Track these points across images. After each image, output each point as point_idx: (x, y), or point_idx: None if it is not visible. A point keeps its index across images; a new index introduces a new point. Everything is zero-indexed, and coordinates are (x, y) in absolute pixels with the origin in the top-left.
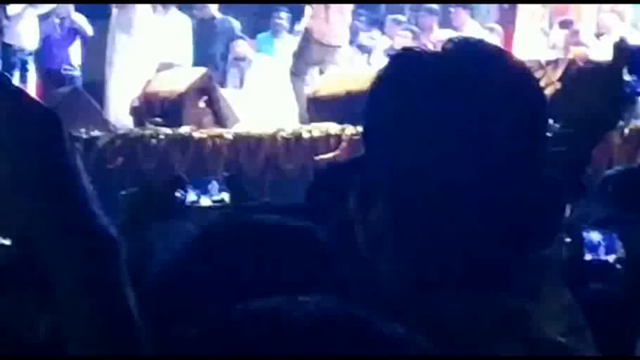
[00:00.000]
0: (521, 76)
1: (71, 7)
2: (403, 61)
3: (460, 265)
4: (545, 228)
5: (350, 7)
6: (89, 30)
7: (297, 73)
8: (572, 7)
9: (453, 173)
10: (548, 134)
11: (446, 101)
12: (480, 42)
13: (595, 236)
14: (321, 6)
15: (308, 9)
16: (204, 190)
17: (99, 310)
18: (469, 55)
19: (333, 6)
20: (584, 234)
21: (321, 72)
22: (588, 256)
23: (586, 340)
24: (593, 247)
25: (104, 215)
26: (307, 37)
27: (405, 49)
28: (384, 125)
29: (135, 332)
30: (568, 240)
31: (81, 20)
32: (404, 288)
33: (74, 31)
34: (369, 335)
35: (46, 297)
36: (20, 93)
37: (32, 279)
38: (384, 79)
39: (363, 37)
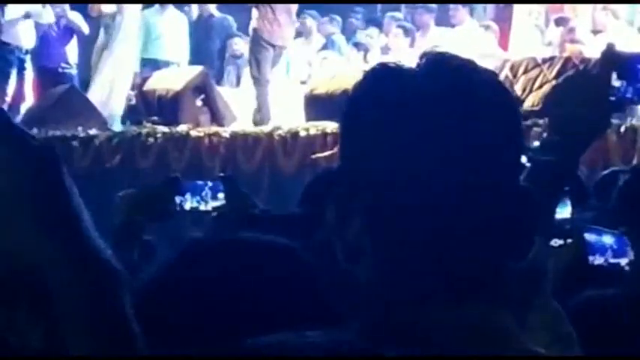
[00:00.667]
0: (494, 89)
1: (67, 5)
2: (378, 76)
3: (436, 277)
4: (519, 240)
5: (295, 7)
6: (85, 28)
7: (258, 76)
8: (568, 5)
9: (427, 185)
10: (537, 143)
11: (420, 115)
12: (454, 57)
13: (605, 239)
14: (268, 7)
15: (254, 11)
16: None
17: (97, 329)
18: (442, 69)
19: (280, 6)
20: (588, 236)
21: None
22: (598, 260)
23: (572, 348)
24: (601, 250)
25: (106, 246)
26: (256, 38)
27: (381, 64)
28: (359, 138)
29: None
30: (569, 241)
31: (77, 19)
32: (382, 299)
33: (70, 30)
34: None
35: (40, 309)
36: (16, 130)
37: (25, 291)
38: (358, 93)
39: (361, 35)
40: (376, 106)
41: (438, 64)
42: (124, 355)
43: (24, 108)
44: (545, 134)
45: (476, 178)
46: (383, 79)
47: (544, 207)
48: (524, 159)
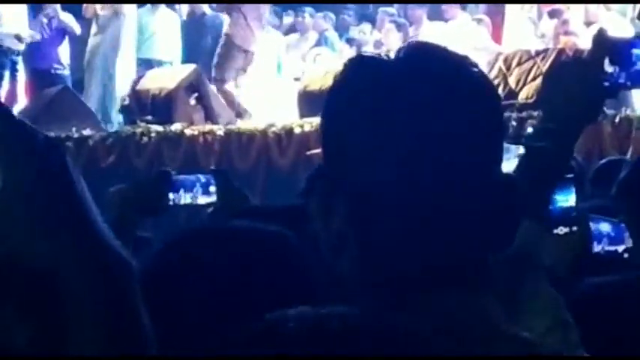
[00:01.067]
0: (474, 78)
1: (58, 6)
2: (358, 68)
3: (415, 265)
4: (499, 229)
5: (266, 14)
6: (77, 29)
7: (221, 79)
8: None
9: (406, 176)
10: (530, 130)
11: (399, 106)
12: (433, 46)
13: (602, 226)
14: (241, 13)
15: (227, 17)
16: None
17: (113, 328)
18: (421, 59)
19: (251, 13)
20: (592, 225)
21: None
22: (596, 248)
23: (571, 333)
24: (598, 238)
25: (114, 237)
26: (228, 43)
27: (361, 56)
28: (340, 131)
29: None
30: (575, 229)
31: (69, 19)
32: (367, 291)
33: (62, 31)
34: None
35: (26, 308)
36: (23, 126)
37: (10, 289)
38: (339, 85)
39: (353, 32)
40: (354, 97)
41: (415, 54)
42: (131, 354)
43: (16, 110)
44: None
45: (454, 168)
46: (360, 70)
47: (538, 194)
48: (520, 148)
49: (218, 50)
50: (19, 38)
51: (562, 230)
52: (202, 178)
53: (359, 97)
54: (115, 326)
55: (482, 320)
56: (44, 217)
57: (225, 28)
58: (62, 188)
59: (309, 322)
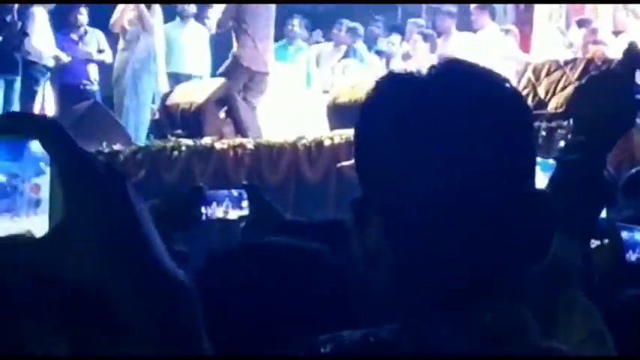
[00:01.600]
0: (507, 95)
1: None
2: (391, 85)
3: (455, 281)
4: (533, 243)
5: (272, 31)
6: (107, 57)
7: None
8: (589, 6)
9: (442, 191)
10: (562, 143)
11: (432, 122)
12: (464, 62)
13: (637, 235)
14: (248, 35)
15: (234, 39)
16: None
17: (175, 354)
18: (453, 76)
19: (260, 33)
20: (624, 234)
21: (245, 99)
22: (632, 257)
23: (606, 343)
24: (633, 247)
25: (171, 260)
26: (235, 63)
27: (394, 73)
28: (374, 147)
29: None
30: (606, 241)
31: (99, 38)
32: (404, 306)
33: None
34: None
35: (64, 321)
36: (84, 154)
37: (48, 302)
38: (372, 101)
39: (382, 43)
40: (387, 114)
41: (448, 70)
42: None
43: None
44: (570, 135)
45: (488, 183)
46: (393, 87)
47: (571, 207)
48: (550, 160)
49: (221, 69)
50: (57, 59)
51: (593, 243)
52: (234, 192)
53: (392, 113)
54: (176, 352)
55: (518, 333)
56: (106, 245)
57: (233, 49)
58: (124, 215)
59: (347, 347)
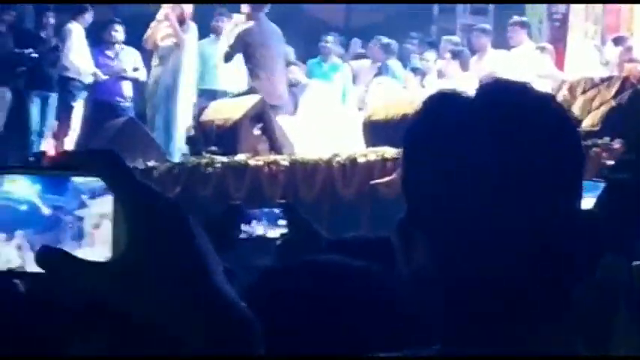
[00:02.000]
0: (552, 113)
1: (122, 38)
2: (438, 103)
3: (502, 301)
4: (583, 262)
5: (284, 59)
6: (142, 75)
7: None
8: (623, 23)
9: (489, 210)
10: (611, 162)
11: (480, 141)
12: (511, 81)
13: None
14: (261, 68)
15: (247, 73)
16: (261, 222)
17: None
18: (501, 94)
19: (272, 66)
20: None
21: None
22: None
23: None
24: None
25: (234, 292)
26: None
27: (439, 92)
28: (420, 165)
29: None
30: None
31: (134, 57)
32: (450, 326)
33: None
34: None
35: (118, 343)
36: (146, 187)
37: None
38: (418, 121)
39: (416, 60)
40: (436, 132)
41: (495, 89)
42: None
43: (79, 140)
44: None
45: (536, 202)
46: (442, 105)
47: (620, 226)
48: (600, 179)
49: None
50: (94, 75)
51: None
52: (272, 210)
53: (440, 132)
54: None
55: (567, 353)
56: (168, 277)
57: (250, 81)
58: (185, 248)
59: None
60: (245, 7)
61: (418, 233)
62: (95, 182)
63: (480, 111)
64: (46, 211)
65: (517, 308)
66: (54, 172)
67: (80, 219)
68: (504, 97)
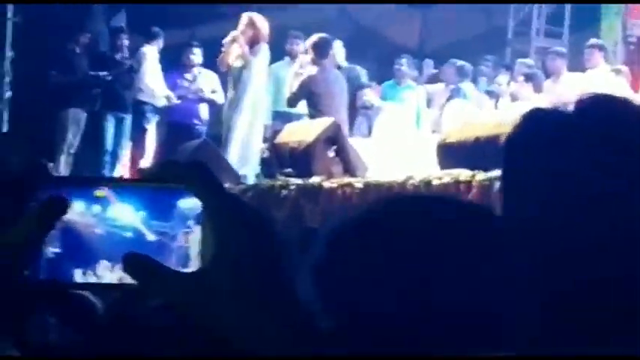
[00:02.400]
0: None
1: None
2: (535, 120)
3: (596, 316)
4: None
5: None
6: (219, 97)
7: None
8: None
9: (590, 226)
10: None
11: (579, 156)
12: (610, 97)
13: None
14: (330, 116)
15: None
16: None
17: None
18: (599, 110)
19: (341, 117)
20: None
21: None
22: None
23: None
24: None
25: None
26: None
27: (538, 108)
28: (520, 182)
29: None
30: None
31: (212, 78)
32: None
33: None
34: None
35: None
36: (235, 199)
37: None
38: (518, 137)
39: (491, 83)
40: (535, 149)
41: (594, 104)
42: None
43: (152, 162)
44: None
45: (636, 219)
46: (540, 122)
47: None
48: None
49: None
50: (168, 98)
51: None
52: None
53: (539, 148)
54: None
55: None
56: (254, 290)
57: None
58: (273, 261)
59: None
60: (310, 53)
61: (516, 246)
62: (200, 208)
63: (581, 125)
64: (151, 237)
65: (604, 325)
66: (143, 184)
67: (186, 244)
68: (604, 112)
